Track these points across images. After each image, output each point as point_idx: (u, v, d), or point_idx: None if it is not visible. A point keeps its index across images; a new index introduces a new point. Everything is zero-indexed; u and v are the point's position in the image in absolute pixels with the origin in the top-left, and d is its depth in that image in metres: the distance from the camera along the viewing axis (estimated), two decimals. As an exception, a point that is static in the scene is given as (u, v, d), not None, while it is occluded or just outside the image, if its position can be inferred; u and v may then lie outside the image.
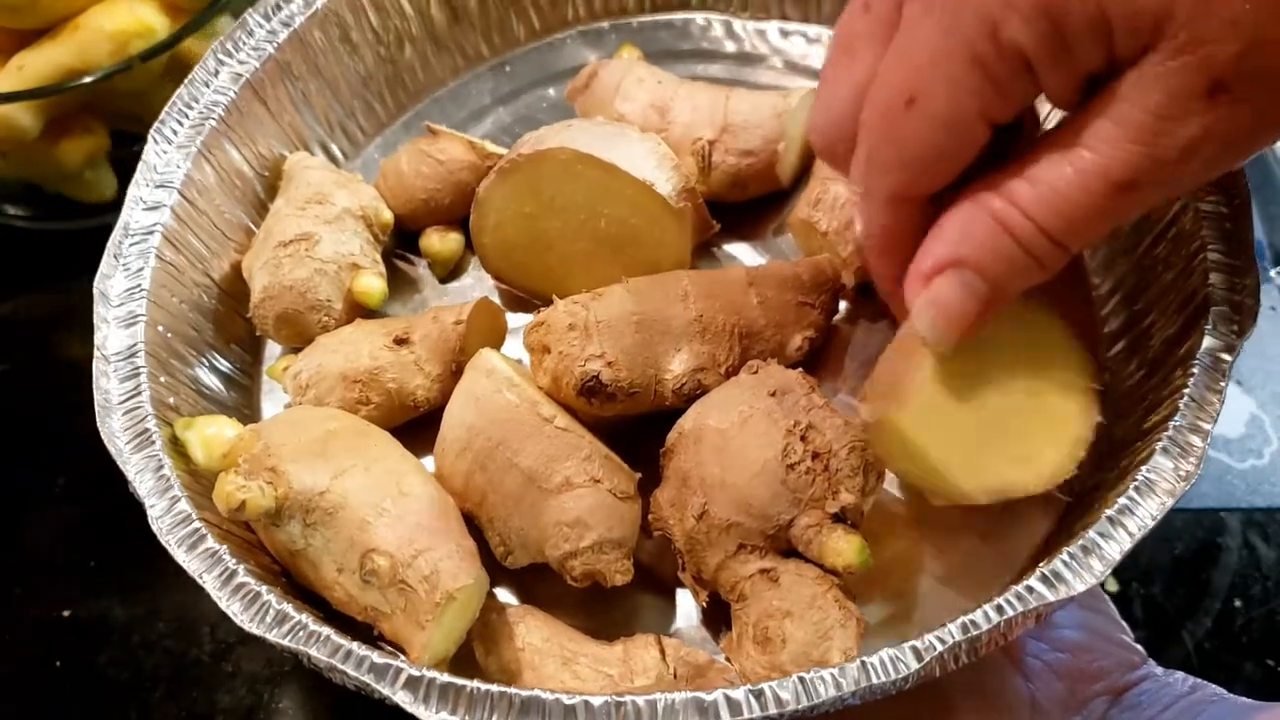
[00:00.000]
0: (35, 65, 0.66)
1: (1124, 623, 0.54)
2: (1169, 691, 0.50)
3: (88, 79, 0.64)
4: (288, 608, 0.45)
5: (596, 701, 0.41)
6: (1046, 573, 0.44)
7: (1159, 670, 0.52)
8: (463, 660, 0.48)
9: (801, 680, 0.41)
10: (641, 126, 0.59)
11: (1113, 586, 0.60)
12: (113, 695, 0.59)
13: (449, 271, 0.63)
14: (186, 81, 0.59)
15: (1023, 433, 0.47)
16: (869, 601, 0.51)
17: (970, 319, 0.42)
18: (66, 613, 0.62)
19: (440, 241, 0.62)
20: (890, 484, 0.54)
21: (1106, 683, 0.51)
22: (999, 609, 0.43)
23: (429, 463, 0.53)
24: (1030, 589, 0.44)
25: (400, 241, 0.64)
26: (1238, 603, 0.59)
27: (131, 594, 0.62)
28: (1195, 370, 0.48)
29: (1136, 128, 0.36)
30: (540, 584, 0.52)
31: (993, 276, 0.40)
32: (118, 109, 0.69)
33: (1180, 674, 0.52)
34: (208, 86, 0.60)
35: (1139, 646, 0.53)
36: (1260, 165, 0.72)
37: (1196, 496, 0.62)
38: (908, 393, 0.46)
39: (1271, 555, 0.60)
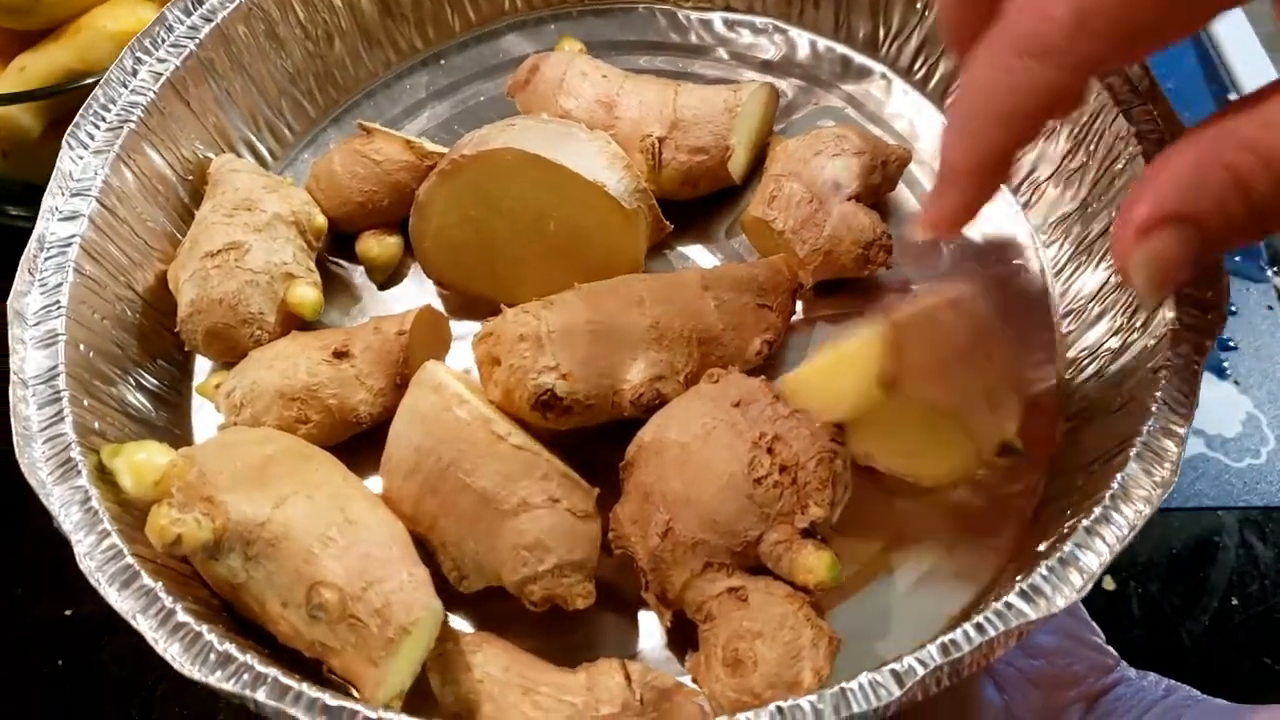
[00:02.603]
0: (37, 66, 0.66)
1: (1094, 624, 0.53)
2: (1144, 696, 0.49)
3: (89, 80, 0.62)
4: (231, 648, 0.42)
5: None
6: (1025, 588, 0.43)
7: (1132, 673, 0.51)
8: (418, 692, 0.46)
9: (780, 710, 0.40)
10: (587, 123, 0.57)
11: (1110, 585, 0.59)
12: (115, 694, 0.58)
13: (388, 277, 0.60)
14: (102, 82, 0.56)
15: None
16: (835, 608, 0.50)
17: (1184, 276, 0.38)
18: (69, 611, 0.61)
19: (378, 246, 0.59)
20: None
21: (1081, 689, 0.50)
22: (979, 628, 0.42)
23: (374, 483, 0.50)
24: (1010, 605, 0.43)
25: (334, 246, 0.60)
26: (1235, 601, 0.59)
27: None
28: (1166, 373, 0.47)
29: None
30: (495, 607, 0.50)
31: (1216, 234, 0.37)
32: None
33: (1154, 676, 0.51)
34: (125, 87, 0.56)
35: (1111, 649, 0.52)
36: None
37: (1194, 495, 0.62)
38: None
39: (1269, 554, 0.60)
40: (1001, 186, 0.43)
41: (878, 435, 0.49)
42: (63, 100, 0.64)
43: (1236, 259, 0.69)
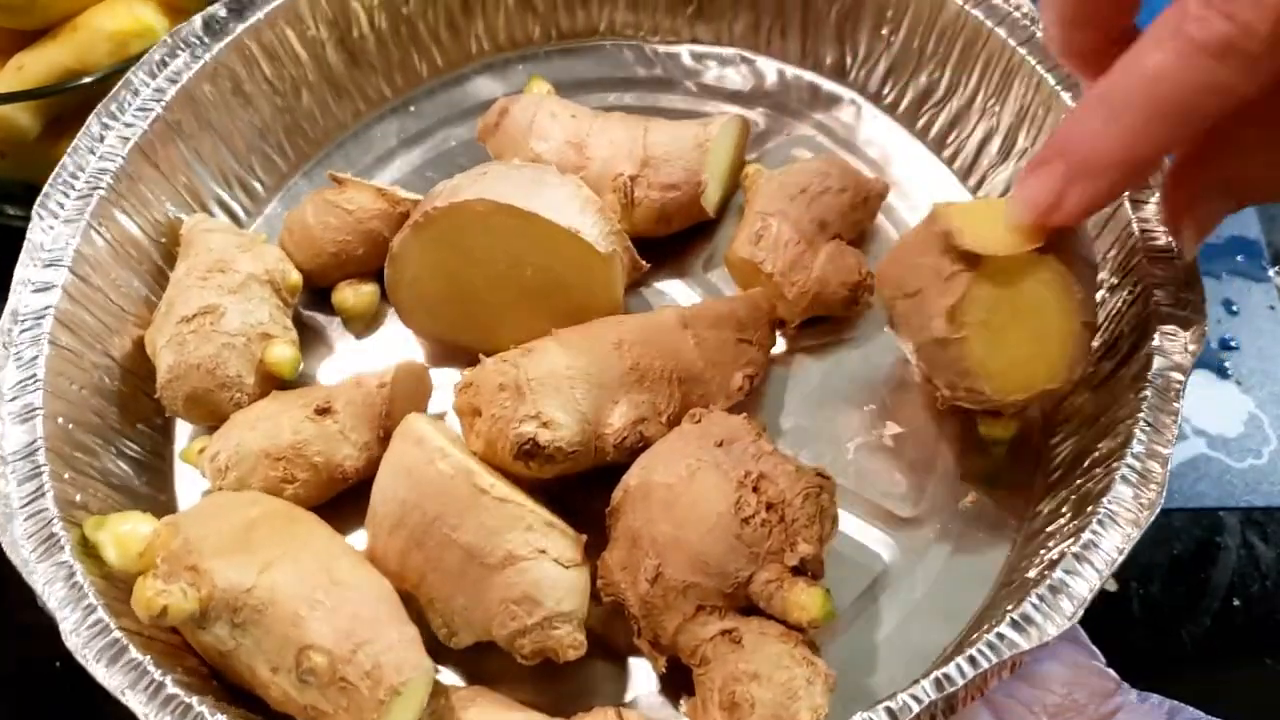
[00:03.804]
0: (34, 66, 0.65)
1: (1094, 647, 0.53)
2: (1148, 719, 0.49)
3: (87, 79, 0.62)
4: (223, 719, 0.42)
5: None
6: (1017, 617, 0.43)
7: (1134, 696, 0.51)
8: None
9: (778, 754, 0.39)
10: (559, 165, 0.56)
11: (1111, 586, 0.59)
12: (112, 696, 0.56)
13: (365, 326, 0.60)
14: (70, 150, 0.55)
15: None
16: (826, 643, 0.49)
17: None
18: None
19: (354, 295, 0.59)
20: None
21: (1085, 717, 0.49)
22: (972, 661, 0.42)
23: (358, 538, 0.50)
24: (1002, 636, 0.43)
25: (310, 299, 0.60)
26: (1236, 602, 0.58)
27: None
28: (1148, 393, 0.47)
29: None
30: (486, 660, 0.49)
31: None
32: None
33: (1156, 697, 0.51)
34: (93, 154, 0.56)
35: (1112, 671, 0.52)
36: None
37: (1195, 496, 0.61)
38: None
39: (1270, 555, 0.60)
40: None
41: (986, 328, 0.46)
42: (60, 100, 0.64)
43: (1238, 258, 0.69)
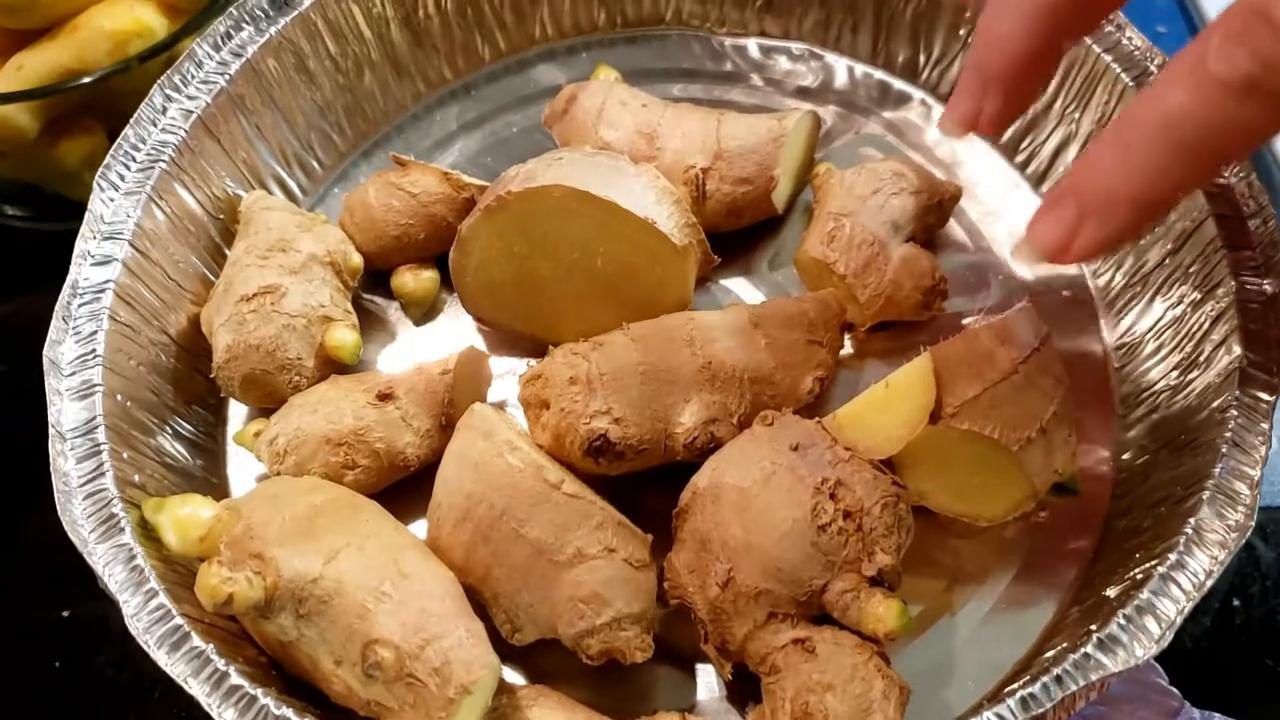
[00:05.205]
0: (34, 66, 0.64)
1: (1157, 665, 0.52)
2: (1212, 739, 0.48)
3: (86, 79, 0.61)
4: (288, 712, 0.41)
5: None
6: (1103, 638, 0.42)
7: (1197, 714, 0.50)
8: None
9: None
10: (628, 154, 0.55)
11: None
12: (111, 696, 0.57)
13: (424, 312, 0.59)
14: (132, 122, 0.54)
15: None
16: (896, 654, 0.48)
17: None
18: (66, 613, 0.59)
19: (414, 280, 0.58)
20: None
21: (1150, 737, 0.49)
22: (1059, 680, 0.41)
23: (416, 529, 0.49)
24: (1089, 656, 0.42)
25: (368, 282, 0.59)
26: (1236, 602, 0.58)
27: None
28: (1234, 413, 0.46)
29: None
30: (547, 659, 0.48)
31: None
32: (117, 109, 0.65)
33: (1218, 716, 0.50)
34: (155, 125, 0.55)
35: (1174, 689, 0.51)
36: (1260, 164, 0.70)
37: None
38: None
39: (1270, 555, 0.59)
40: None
41: (931, 474, 0.48)
42: (60, 100, 0.63)
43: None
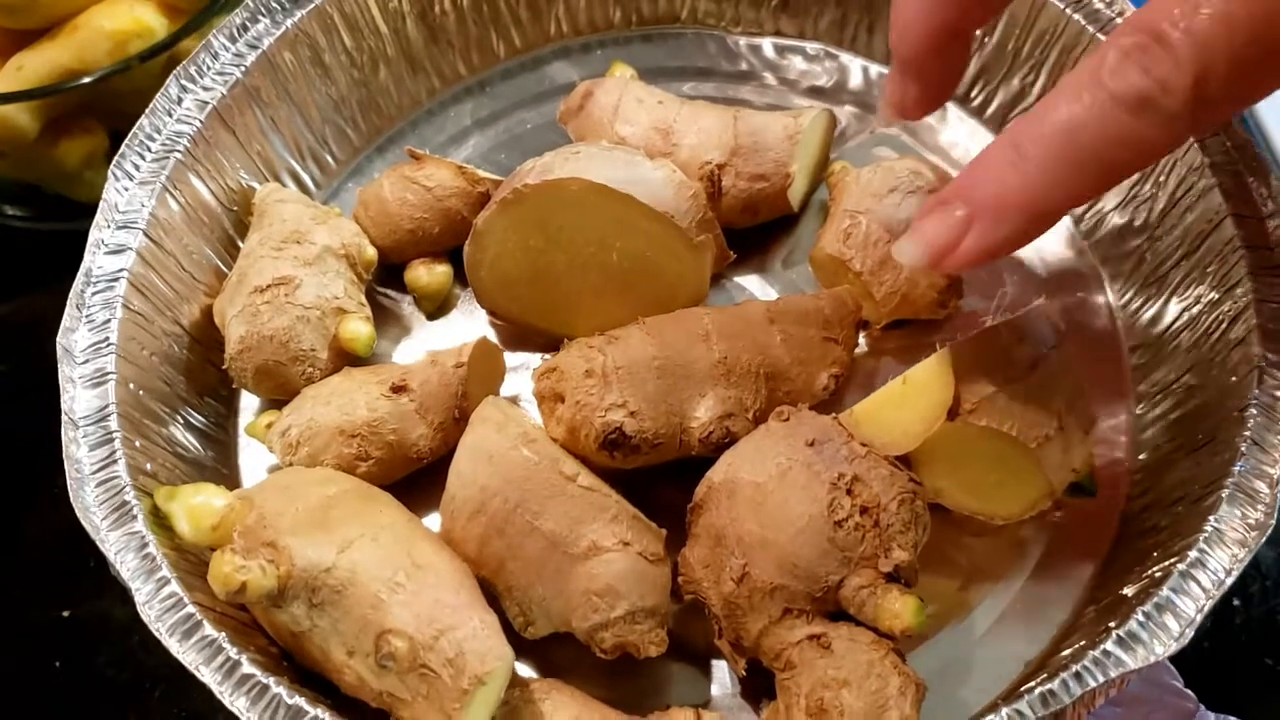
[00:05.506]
0: (34, 66, 0.64)
1: (1172, 667, 0.52)
2: (1227, 742, 0.48)
3: (86, 79, 0.61)
4: (301, 702, 0.41)
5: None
6: (1123, 635, 0.42)
7: (1212, 717, 0.50)
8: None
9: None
10: (644, 150, 0.55)
11: None
12: (112, 696, 0.57)
13: (437, 306, 0.59)
14: (148, 111, 0.54)
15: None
16: (912, 651, 0.48)
17: None
18: (66, 613, 0.59)
19: (428, 274, 0.58)
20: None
21: (1166, 738, 0.48)
22: (1078, 677, 0.41)
23: (429, 522, 0.49)
24: (1108, 654, 0.41)
25: (381, 276, 0.59)
26: (1236, 602, 0.58)
27: (131, 595, 0.59)
28: (1253, 411, 0.46)
29: None
30: (560, 653, 0.48)
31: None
32: (117, 109, 0.66)
33: (1233, 719, 0.50)
34: (170, 116, 0.55)
35: (1190, 692, 0.51)
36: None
37: None
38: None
39: (1270, 555, 0.59)
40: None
41: (948, 471, 0.48)
42: (60, 100, 0.63)
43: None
